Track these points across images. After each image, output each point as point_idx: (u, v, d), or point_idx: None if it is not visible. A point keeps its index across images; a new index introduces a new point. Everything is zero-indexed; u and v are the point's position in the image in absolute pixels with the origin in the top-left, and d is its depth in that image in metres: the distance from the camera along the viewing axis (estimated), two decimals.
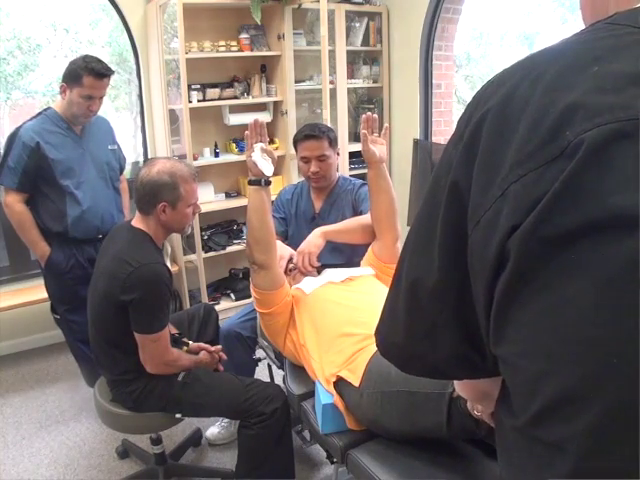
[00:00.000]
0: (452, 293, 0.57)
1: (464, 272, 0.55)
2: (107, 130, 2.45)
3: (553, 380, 0.47)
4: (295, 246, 2.00)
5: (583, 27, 0.57)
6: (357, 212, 2.11)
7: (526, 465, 0.52)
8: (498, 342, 0.53)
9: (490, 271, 0.50)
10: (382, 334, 0.71)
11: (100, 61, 2.15)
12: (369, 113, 1.88)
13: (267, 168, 1.70)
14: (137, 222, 1.74)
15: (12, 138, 2.18)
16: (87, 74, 2.10)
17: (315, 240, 1.94)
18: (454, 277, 0.57)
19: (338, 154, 2.18)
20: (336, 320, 1.62)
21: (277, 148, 3.44)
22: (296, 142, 2.12)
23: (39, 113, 2.26)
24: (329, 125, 2.86)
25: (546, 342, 0.47)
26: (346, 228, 2.00)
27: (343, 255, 2.11)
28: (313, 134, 2.05)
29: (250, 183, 1.72)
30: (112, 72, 2.18)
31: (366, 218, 2.00)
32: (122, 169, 2.52)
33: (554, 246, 0.45)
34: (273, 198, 2.01)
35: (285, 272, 1.91)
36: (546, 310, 0.47)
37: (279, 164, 3.48)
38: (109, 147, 2.41)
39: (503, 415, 0.56)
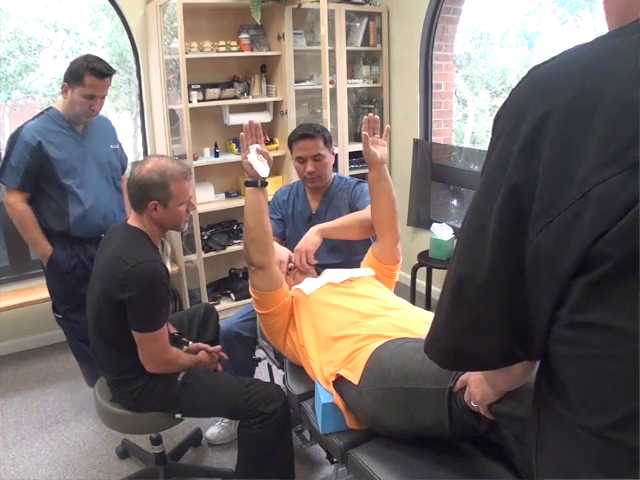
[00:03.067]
0: (502, 291, 0.58)
1: (516, 270, 0.56)
2: (109, 129, 2.45)
3: None
4: (293, 247, 2.00)
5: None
6: (354, 210, 2.10)
7: (595, 462, 0.53)
8: (575, 342, 0.54)
9: (569, 270, 0.51)
10: (428, 331, 0.72)
11: (101, 60, 2.16)
12: (371, 114, 1.88)
13: (263, 169, 1.70)
14: (133, 220, 1.74)
15: (14, 137, 2.18)
16: (89, 73, 2.10)
17: (312, 238, 1.94)
18: (505, 275, 0.58)
19: (333, 154, 2.17)
20: (335, 323, 1.62)
21: (277, 148, 3.44)
22: (291, 142, 2.11)
23: (41, 113, 2.26)
24: (329, 125, 2.86)
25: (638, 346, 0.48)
26: (343, 224, 2.00)
27: (341, 254, 2.10)
28: (308, 133, 2.05)
29: (246, 184, 1.72)
30: (114, 71, 2.19)
31: (363, 213, 1.99)
32: (124, 168, 2.53)
33: None
34: (270, 199, 2.00)
35: (286, 274, 1.92)
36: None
37: (279, 164, 3.48)
38: (111, 146, 2.41)
39: (561, 409, 0.57)
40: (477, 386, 1.10)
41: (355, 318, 1.61)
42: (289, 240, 2.17)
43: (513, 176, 0.55)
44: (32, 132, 2.15)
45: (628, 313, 0.48)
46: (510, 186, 0.55)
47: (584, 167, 0.49)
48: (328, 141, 2.09)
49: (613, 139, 0.48)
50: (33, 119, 2.23)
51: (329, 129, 2.87)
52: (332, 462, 1.61)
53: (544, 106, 0.53)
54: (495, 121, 0.61)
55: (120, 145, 2.50)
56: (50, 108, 2.27)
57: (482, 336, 0.62)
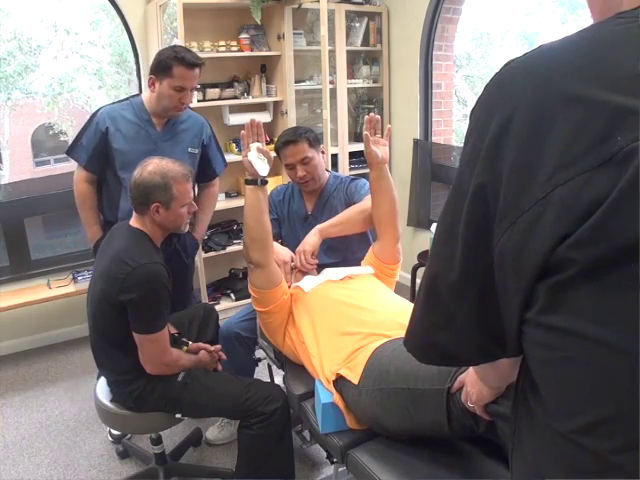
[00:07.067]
0: (472, 290, 0.58)
1: (486, 270, 0.55)
2: (195, 132, 2.25)
3: (610, 393, 0.47)
4: (289, 247, 2.00)
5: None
6: (350, 206, 2.07)
7: (566, 465, 0.53)
8: (543, 344, 0.53)
9: (532, 273, 0.50)
10: (407, 324, 0.72)
11: (189, 50, 2.08)
12: (372, 114, 1.87)
13: (262, 168, 1.70)
14: (134, 222, 1.75)
15: (91, 117, 2.17)
16: (177, 64, 2.00)
17: (309, 238, 1.94)
18: (475, 275, 0.57)
19: (323, 152, 2.14)
20: (335, 318, 1.62)
21: None
22: (278, 150, 2.08)
23: (127, 98, 2.22)
24: (329, 125, 2.86)
25: (603, 352, 0.47)
26: (342, 219, 1.98)
27: (338, 254, 2.09)
28: (290, 140, 2.01)
29: (247, 183, 1.72)
30: (202, 62, 2.09)
31: (362, 204, 1.98)
32: (208, 176, 2.37)
33: (617, 259, 0.45)
34: None
35: (289, 274, 1.92)
36: (607, 315, 0.47)
37: (279, 164, 3.46)
38: (189, 149, 2.22)
39: (536, 408, 0.57)
40: (473, 386, 1.10)
41: (354, 311, 1.62)
42: (285, 240, 2.17)
43: (480, 175, 0.54)
44: (105, 116, 2.12)
45: (591, 318, 0.48)
46: (477, 185, 0.54)
47: (547, 168, 0.48)
48: (314, 142, 2.04)
49: (576, 140, 0.47)
50: (115, 103, 2.19)
51: (329, 129, 2.87)
52: (332, 462, 1.61)
53: (511, 104, 0.52)
54: (470, 116, 0.60)
55: (204, 149, 2.29)
56: (137, 95, 2.21)
57: (455, 333, 0.62)
